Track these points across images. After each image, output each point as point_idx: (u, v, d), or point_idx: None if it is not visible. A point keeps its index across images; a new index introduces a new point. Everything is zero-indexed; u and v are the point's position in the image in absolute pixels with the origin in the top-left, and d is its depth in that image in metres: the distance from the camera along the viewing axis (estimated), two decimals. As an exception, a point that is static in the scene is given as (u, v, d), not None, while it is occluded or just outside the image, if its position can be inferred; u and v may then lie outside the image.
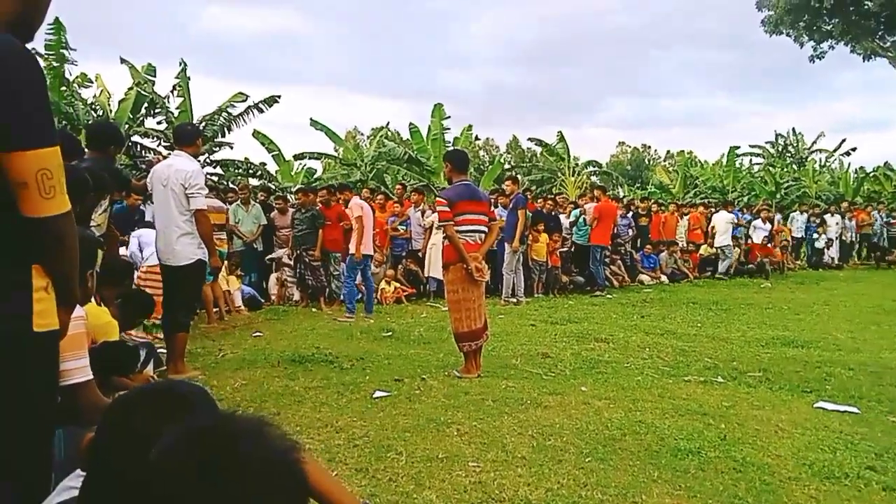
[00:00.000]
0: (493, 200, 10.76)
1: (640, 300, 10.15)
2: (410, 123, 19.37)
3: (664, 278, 12.61)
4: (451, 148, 15.64)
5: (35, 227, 1.34)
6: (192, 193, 4.66)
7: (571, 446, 3.31)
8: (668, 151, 52.70)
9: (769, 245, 14.44)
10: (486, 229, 5.27)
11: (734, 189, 22.60)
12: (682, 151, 29.53)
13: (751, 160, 28.59)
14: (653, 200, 15.44)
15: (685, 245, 13.77)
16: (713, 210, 14.63)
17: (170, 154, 5.27)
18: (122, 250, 6.34)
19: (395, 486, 2.76)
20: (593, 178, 25.15)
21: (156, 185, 4.75)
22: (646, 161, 59.69)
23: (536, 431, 3.55)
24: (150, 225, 6.43)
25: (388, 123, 21.53)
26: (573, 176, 22.51)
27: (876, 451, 3.38)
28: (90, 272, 2.35)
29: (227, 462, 0.77)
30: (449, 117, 18.85)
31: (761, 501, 2.69)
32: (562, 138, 22.53)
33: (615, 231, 12.52)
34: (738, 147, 24.18)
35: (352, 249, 8.10)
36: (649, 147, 64.08)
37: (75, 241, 1.44)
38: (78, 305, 2.24)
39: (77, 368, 2.15)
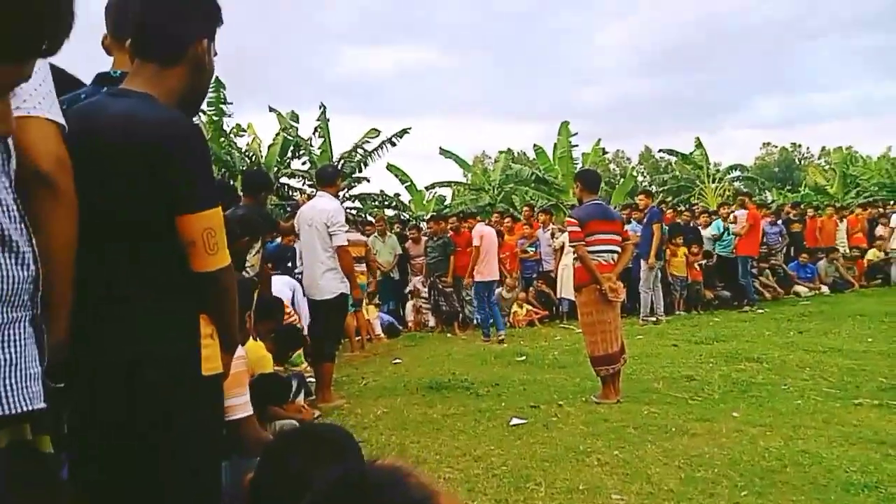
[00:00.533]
0: (626, 216, 10.49)
1: (796, 314, 9.28)
2: (535, 144, 19.40)
3: (824, 289, 11.44)
4: (582, 168, 15.38)
5: (202, 281, 1.52)
6: (335, 231, 5.00)
7: (724, 478, 3.10)
8: (824, 148, 48.10)
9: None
10: (619, 249, 5.13)
11: (905, 184, 20.16)
12: (840, 148, 26.80)
13: (924, 149, 25.39)
14: (806, 204, 14.16)
15: (847, 251, 12.43)
16: (878, 210, 13.09)
17: (314, 194, 5.69)
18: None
19: (535, 517, 2.74)
20: (736, 184, 23.57)
21: (302, 225, 5.15)
22: (796, 161, 54.91)
23: (684, 462, 3.36)
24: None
25: (507, 149, 21.58)
26: (713, 183, 21.24)
27: None
28: (248, 313, 2.59)
29: None
30: (576, 133, 18.62)
31: (957, 548, 2.35)
32: (699, 144, 21.41)
33: (764, 240, 11.64)
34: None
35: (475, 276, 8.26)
36: (799, 146, 58.92)
37: (235, 291, 1.61)
38: (238, 345, 2.49)
39: (239, 405, 2.37)
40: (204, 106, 16.16)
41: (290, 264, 7.29)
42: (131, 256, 1.52)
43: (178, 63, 1.59)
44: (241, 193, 5.08)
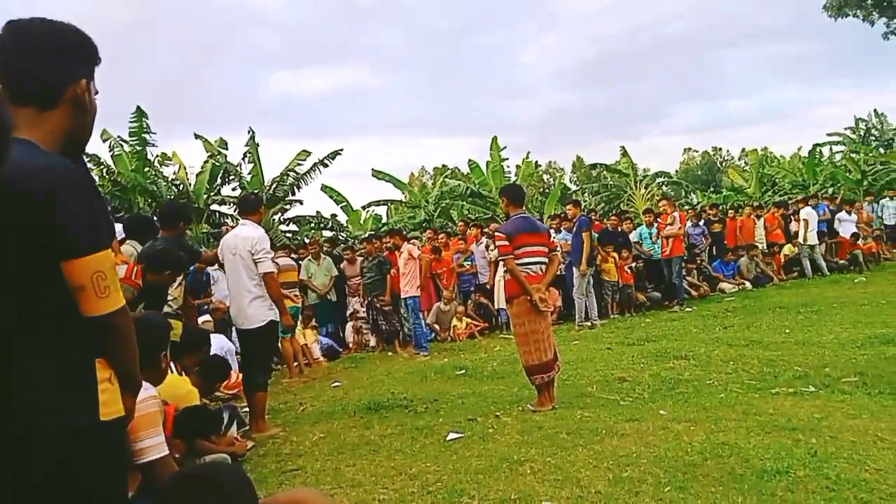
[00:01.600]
0: (556, 226, 10.76)
1: (721, 310, 9.71)
2: (469, 159, 19.69)
3: (747, 284, 12.03)
4: (507, 183, 15.67)
5: (94, 325, 1.49)
6: (260, 258, 4.92)
7: (650, 476, 3.21)
8: (743, 150, 50.68)
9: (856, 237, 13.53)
10: (546, 260, 5.25)
11: (815, 182, 21.44)
12: (752, 150, 28.32)
13: (831, 149, 27.12)
14: (728, 205, 14.87)
15: (765, 247, 13.11)
16: (789, 209, 13.88)
17: (237, 224, 5.61)
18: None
19: (467, 531, 2.76)
20: (664, 189, 24.53)
21: (226, 255, 5.05)
22: (718, 164, 57.62)
23: (612, 463, 3.45)
24: None
25: (443, 166, 21.84)
26: (641, 189, 22.03)
27: None
28: (164, 353, 2.53)
29: None
30: (505, 147, 19.01)
31: (857, 523, 2.51)
32: (624, 153, 22.19)
33: (688, 241, 12.17)
34: (818, 144, 23.03)
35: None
36: (720, 149, 61.90)
37: (132, 332, 1.57)
38: (151, 385, 2.42)
39: (153, 446, 2.30)
40: (126, 136, 15.69)
41: (205, 292, 7.18)
42: (21, 309, 1.47)
43: (56, 105, 1.56)
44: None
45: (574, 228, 9.77)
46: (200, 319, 6.88)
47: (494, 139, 19.23)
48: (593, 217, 12.11)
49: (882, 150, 25.47)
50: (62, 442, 1.46)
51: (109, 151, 15.95)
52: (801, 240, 12.61)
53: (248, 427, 4.88)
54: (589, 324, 9.50)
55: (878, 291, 9.93)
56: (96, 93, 1.65)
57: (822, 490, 2.85)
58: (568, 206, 10.60)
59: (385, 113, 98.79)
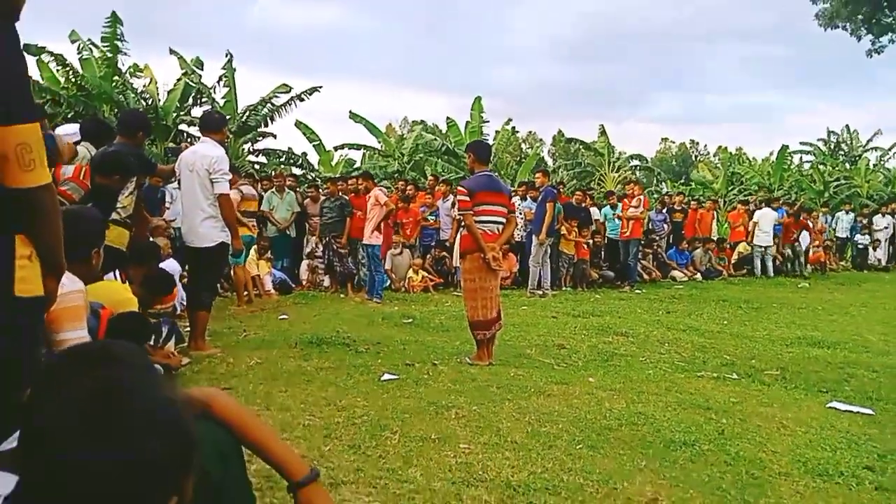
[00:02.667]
0: (522, 192, 10.83)
1: (669, 296, 10.01)
2: (448, 117, 19.52)
3: (698, 275, 12.39)
4: (475, 140, 15.64)
5: (16, 198, 1.47)
6: (217, 178, 4.85)
7: (565, 433, 3.36)
8: (720, 147, 51.41)
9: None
10: (504, 220, 5.31)
11: (781, 187, 21.94)
12: (725, 148, 28.73)
13: (801, 158, 27.71)
14: (692, 197, 15.16)
15: (719, 242, 13.48)
16: (753, 208, 14.24)
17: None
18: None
19: (383, 462, 2.86)
20: (637, 174, 24.75)
21: (183, 171, 4.96)
22: (692, 157, 58.32)
23: (534, 418, 3.59)
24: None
25: (422, 121, 21.67)
26: (613, 172, 22.21)
27: (879, 452, 3.31)
28: (96, 250, 2.50)
29: (109, 405, 0.84)
30: (485, 114, 18.91)
31: (744, 494, 2.69)
32: (603, 132, 22.26)
33: (650, 226, 12.42)
34: (787, 146, 23.45)
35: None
36: (697, 143, 62.62)
37: (56, 212, 1.56)
38: (80, 281, 2.41)
39: (74, 339, 2.30)
40: (97, 41, 15.03)
41: (158, 209, 7.06)
42: None
43: None
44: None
45: (540, 197, 9.86)
46: (160, 242, 6.79)
47: (477, 99, 19.07)
48: (561, 190, 12.20)
49: (848, 166, 26.14)
50: None
51: (77, 54, 15.29)
52: (752, 240, 12.99)
53: (185, 344, 4.89)
54: (540, 292, 9.68)
55: (817, 298, 10.36)
56: None
57: (720, 464, 3.03)
58: (537, 175, 10.69)
59: (369, 59, 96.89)
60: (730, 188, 22.73)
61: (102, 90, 14.69)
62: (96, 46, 15.27)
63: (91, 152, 4.57)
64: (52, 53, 14.84)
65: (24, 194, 1.47)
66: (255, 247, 8.32)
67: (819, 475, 2.94)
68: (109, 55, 15.09)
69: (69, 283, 2.26)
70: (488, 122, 19.41)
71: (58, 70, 15.33)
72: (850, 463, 3.12)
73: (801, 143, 28.13)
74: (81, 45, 15.22)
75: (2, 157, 1.42)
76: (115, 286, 3.70)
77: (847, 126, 29.62)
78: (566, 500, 2.55)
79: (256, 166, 17.52)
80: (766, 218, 13.04)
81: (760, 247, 13.05)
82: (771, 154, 24.34)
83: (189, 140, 15.84)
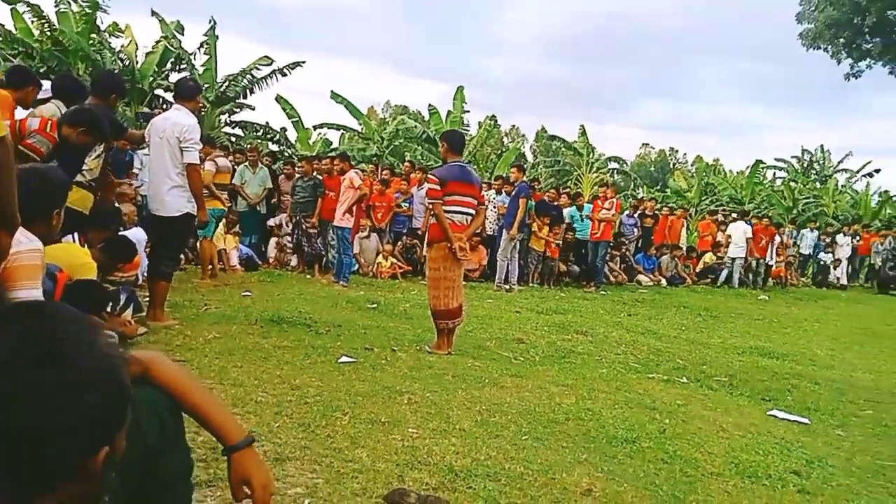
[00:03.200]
0: (497, 186, 10.90)
1: (632, 299, 10.20)
2: (430, 104, 19.49)
3: (663, 281, 12.63)
4: (449, 129, 15.70)
5: None
6: (187, 147, 4.80)
7: (513, 424, 3.43)
8: (698, 157, 52.20)
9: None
10: (473, 212, 5.35)
11: (752, 200, 22.41)
12: (700, 157, 29.21)
13: (774, 174, 28.30)
14: (663, 204, 15.41)
15: (686, 251, 13.77)
16: (721, 219, 14.54)
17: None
18: None
19: (330, 441, 2.90)
20: (616, 177, 25.03)
21: (153, 137, 4.90)
22: (671, 165, 59.10)
23: (484, 408, 3.67)
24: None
25: (404, 107, 21.59)
26: (591, 172, 22.42)
27: (808, 458, 3.47)
28: (57, 211, 2.48)
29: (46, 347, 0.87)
30: (466, 106, 18.93)
31: (675, 491, 2.80)
32: (583, 133, 22.44)
33: (620, 230, 12.61)
34: (761, 161, 23.94)
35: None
36: (676, 151, 63.47)
37: (10, 166, 1.56)
38: (37, 239, 2.39)
39: (28, 298, 2.28)
40: (75, -6, 14.61)
41: (125, 173, 6.94)
42: None
43: None
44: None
45: (513, 193, 9.93)
46: (125, 209, 6.68)
47: (460, 89, 19.06)
48: (536, 186, 12.30)
49: (818, 185, 26.78)
50: None
51: (55, 7, 14.86)
52: (729, 252, 13.30)
53: (143, 313, 4.85)
54: (507, 287, 9.78)
55: (774, 311, 10.66)
56: None
57: (657, 461, 3.14)
58: (512, 170, 10.76)
59: (353, 37, 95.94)
60: (703, 198, 23.14)
61: (79, 46, 14.31)
62: (75, 1, 14.87)
63: (62, 110, 4.49)
64: (28, 3, 14.42)
65: None
66: (224, 220, 8.24)
67: (748, 476, 3.07)
68: (88, 11, 14.71)
69: (27, 240, 2.25)
70: (469, 111, 19.49)
71: (33, 22, 14.89)
72: (779, 467, 3.26)
73: (775, 158, 28.76)
74: (59, -1, 14.81)
75: None
76: (75, 249, 3.66)
77: (822, 146, 30.36)
78: (505, 487, 2.62)
79: (232, 138, 17.28)
80: (740, 230, 13.35)
81: (731, 258, 13.36)
82: (747, 168, 24.74)
83: (164, 106, 15.57)
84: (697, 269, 13.62)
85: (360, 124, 20.60)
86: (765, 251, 13.95)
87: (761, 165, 23.62)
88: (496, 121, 21.33)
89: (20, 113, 4.31)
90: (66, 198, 2.60)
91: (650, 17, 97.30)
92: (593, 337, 6.60)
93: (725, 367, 5.75)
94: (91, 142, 4.05)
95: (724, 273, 13.52)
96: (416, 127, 19.56)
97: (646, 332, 7.34)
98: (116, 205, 5.39)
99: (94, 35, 14.97)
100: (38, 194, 2.25)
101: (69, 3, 14.83)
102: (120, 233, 5.32)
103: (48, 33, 14.66)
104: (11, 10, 14.29)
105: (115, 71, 13.44)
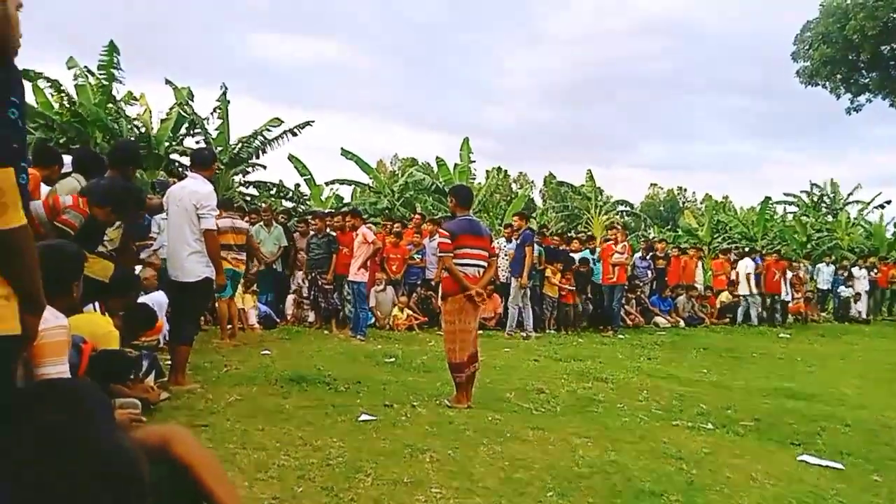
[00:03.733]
0: (507, 234, 10.98)
1: (651, 342, 10.10)
2: (437, 157, 19.84)
3: (681, 322, 12.51)
4: (458, 183, 15.89)
5: None
6: (204, 214, 4.93)
7: (537, 480, 3.39)
8: (707, 195, 52.28)
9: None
10: (485, 264, 5.39)
11: (764, 237, 22.32)
12: (709, 196, 29.28)
13: (784, 209, 28.25)
14: (674, 244, 15.39)
15: (703, 290, 13.67)
16: (734, 257, 14.47)
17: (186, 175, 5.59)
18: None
19: (355, 504, 2.88)
20: (626, 218, 25.09)
21: (171, 205, 5.04)
22: (680, 203, 59.20)
23: (508, 464, 3.63)
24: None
25: (413, 159, 21.99)
26: (601, 215, 22.51)
27: (844, 507, 3.37)
28: (76, 283, 2.55)
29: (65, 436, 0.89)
30: (472, 153, 19.28)
31: (709, 547, 2.73)
32: (590, 177, 22.64)
33: (633, 272, 12.58)
34: (770, 198, 23.94)
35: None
36: (685, 189, 63.67)
37: (31, 252, 1.60)
38: (62, 315, 2.46)
39: (54, 374, 2.33)
40: (94, 68, 15.22)
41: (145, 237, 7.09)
42: None
43: None
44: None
45: (518, 241, 10.02)
46: (146, 274, 6.81)
47: (465, 140, 19.41)
48: (546, 232, 12.37)
49: (830, 218, 26.65)
50: None
51: (73, 80, 15.44)
52: (739, 290, 13.21)
53: (165, 378, 4.88)
54: (524, 335, 9.74)
55: (797, 349, 10.48)
56: (19, 6, 1.65)
57: (688, 515, 3.07)
58: (514, 218, 10.88)
59: (360, 94, 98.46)
60: (714, 236, 23.08)
61: (97, 117, 14.80)
62: (92, 74, 15.45)
63: (81, 183, 4.65)
64: (48, 79, 15.00)
65: None
66: (242, 281, 8.34)
67: (784, 530, 2.99)
68: (105, 83, 15.26)
69: (53, 318, 2.31)
70: (474, 161, 19.73)
71: (52, 95, 15.47)
72: (816, 518, 3.17)
73: (784, 194, 28.74)
74: (78, 72, 15.39)
75: None
76: (98, 319, 3.73)
77: (831, 179, 30.40)
78: (533, 549, 2.58)
79: (247, 198, 17.61)
80: (748, 268, 13.30)
81: (745, 295, 13.26)
82: (758, 205, 24.69)
83: (180, 170, 15.95)
84: (715, 309, 13.48)
85: (371, 178, 20.95)
86: (778, 286, 13.84)
87: (771, 202, 23.60)
88: (504, 172, 21.60)
89: (44, 190, 4.48)
90: (82, 269, 2.67)
91: (642, 60, 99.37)
92: (614, 384, 6.52)
93: (751, 411, 5.64)
94: (116, 219, 4.20)
95: (741, 311, 13.39)
96: (424, 179, 19.84)
97: (667, 376, 7.24)
98: (136, 272, 5.50)
99: (110, 105, 15.48)
100: (56, 270, 2.32)
101: (87, 76, 15.42)
102: (141, 297, 5.43)
103: (67, 106, 15.20)
104: (33, 86, 14.87)
105: (132, 139, 13.84)
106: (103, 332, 3.68)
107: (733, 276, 13.85)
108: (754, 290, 13.36)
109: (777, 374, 7.95)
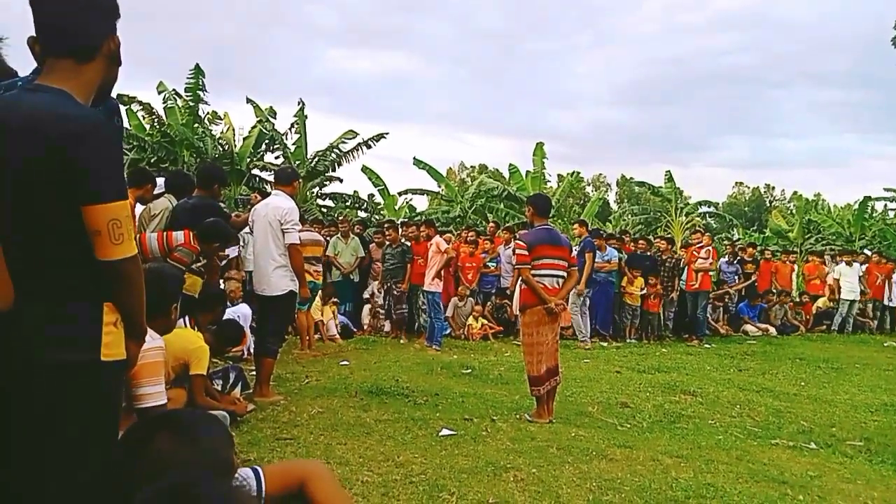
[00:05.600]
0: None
1: (740, 352, 9.57)
2: (511, 164, 19.71)
3: (772, 330, 11.80)
4: (536, 192, 15.65)
5: (106, 269, 1.59)
6: (287, 229, 5.06)
7: (628, 503, 3.23)
8: (795, 193, 49.45)
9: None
10: (564, 274, 5.25)
11: (862, 237, 20.84)
12: (798, 194, 27.61)
13: (885, 205, 26.26)
14: (765, 246, 14.56)
15: (798, 296, 12.85)
16: (831, 259, 13.54)
17: (269, 193, 5.78)
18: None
19: (440, 526, 2.82)
20: (707, 220, 24.07)
21: (256, 222, 5.20)
22: (767, 203, 56.35)
23: (595, 485, 3.48)
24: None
25: (483, 165, 21.95)
26: (681, 217, 21.69)
27: (980, 543, 3.03)
28: (174, 305, 2.64)
29: None
30: (546, 158, 19.01)
31: (825, 585, 2.50)
32: (670, 178, 21.86)
33: (720, 277, 12.02)
34: (870, 197, 22.28)
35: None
36: (772, 188, 60.49)
37: (141, 281, 1.67)
38: (158, 336, 2.54)
39: (152, 394, 2.42)
40: (181, 90, 16.09)
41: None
42: (37, 247, 1.58)
43: (93, 59, 1.66)
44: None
45: (579, 248, 9.78)
46: (230, 287, 7.07)
47: (539, 145, 19.16)
48: (624, 238, 12.00)
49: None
50: (63, 375, 1.57)
51: (163, 103, 16.38)
52: (836, 294, 12.36)
53: (251, 390, 5.01)
54: (588, 343, 9.58)
55: (906, 359, 9.67)
56: (119, 46, 1.74)
57: (797, 547, 2.83)
58: (574, 227, 10.64)
59: (430, 104, 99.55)
60: (806, 237, 21.75)
61: (185, 136, 15.63)
62: (180, 96, 16.33)
63: (172, 203, 4.88)
64: (140, 102, 15.99)
65: (113, 265, 1.59)
66: (321, 293, 8.52)
67: (910, 568, 2.71)
68: (192, 104, 16.10)
69: (149, 339, 2.39)
70: (546, 169, 19.45)
71: (144, 118, 16.47)
72: (947, 555, 2.86)
73: (885, 189, 26.71)
74: (167, 95, 16.31)
75: (95, 232, 1.55)
76: (188, 334, 3.86)
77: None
78: (629, 581, 2.44)
79: (324, 210, 18.09)
80: (852, 270, 12.40)
81: (845, 300, 12.38)
82: (856, 202, 22.98)
83: (260, 185, 16.55)
84: (810, 316, 12.65)
85: (443, 187, 21.05)
86: (881, 291, 12.84)
87: (870, 199, 21.95)
88: (577, 174, 21.17)
89: (138, 209, 4.74)
90: (181, 292, 2.76)
91: (719, 54, 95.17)
92: (703, 398, 6.20)
93: (859, 429, 5.22)
94: (218, 250, 4.44)
95: (838, 319, 12.50)
96: (496, 186, 19.75)
97: (761, 389, 6.82)
98: (221, 286, 5.70)
99: (196, 125, 16.31)
100: (157, 294, 2.40)
101: (175, 98, 16.31)
102: (227, 309, 5.64)
103: (157, 127, 16.13)
104: (127, 110, 15.86)
105: (224, 160, 14.50)
106: (194, 347, 3.80)
107: (829, 281, 12.97)
108: (853, 296, 12.44)
109: (885, 387, 7.33)
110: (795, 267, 13.60)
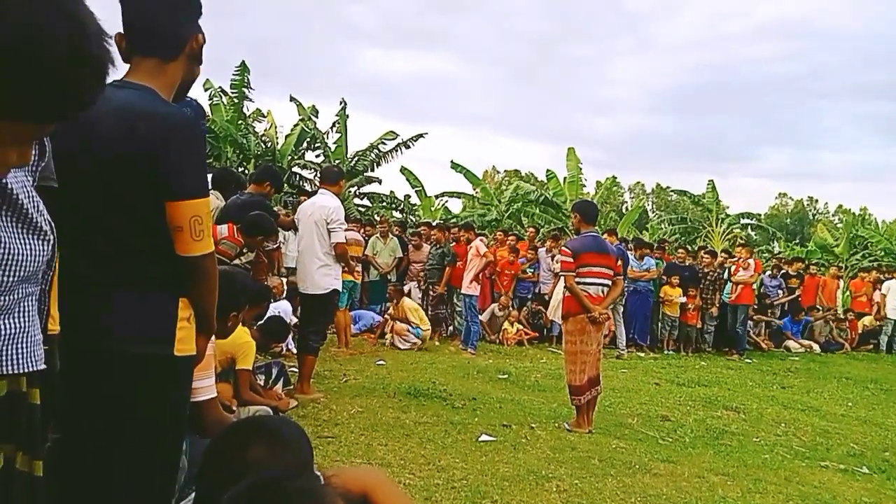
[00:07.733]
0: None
1: (783, 369, 9.32)
2: (548, 169, 19.57)
3: (816, 347, 11.46)
4: (582, 199, 15.55)
5: (185, 265, 1.62)
6: (333, 228, 5.10)
7: (675, 521, 3.16)
8: (840, 206, 47.99)
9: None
10: (609, 283, 5.18)
11: (912, 254, 20.12)
12: (843, 208, 26.74)
13: (937, 222, 25.31)
14: (809, 261, 14.15)
15: (843, 313, 12.46)
16: (879, 277, 13.08)
17: (316, 191, 5.84)
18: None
19: (484, 533, 2.80)
20: (749, 232, 23.52)
21: (302, 220, 5.25)
22: (810, 216, 54.89)
23: (640, 499, 3.42)
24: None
25: (517, 170, 21.83)
26: (721, 227, 21.23)
27: None
28: (235, 314, 2.66)
29: None
30: (581, 163, 18.82)
31: None
32: (712, 187, 21.42)
33: (763, 290, 11.73)
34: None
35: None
36: (816, 200, 58.89)
37: (216, 277, 1.69)
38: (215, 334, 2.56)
39: (204, 387, 2.44)
40: (227, 87, 16.38)
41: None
42: (123, 238, 1.61)
43: (178, 57, 1.69)
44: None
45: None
46: (273, 283, 7.16)
47: (571, 150, 18.94)
48: (665, 247, 11.79)
49: None
50: (138, 366, 1.60)
51: (209, 100, 16.69)
52: (883, 313, 11.94)
53: (292, 386, 5.06)
54: (626, 352, 9.43)
55: (960, 383, 9.27)
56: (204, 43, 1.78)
57: (855, 577, 2.73)
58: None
59: (465, 106, 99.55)
60: (852, 252, 21.09)
61: (229, 133, 15.89)
62: (225, 93, 16.63)
63: (220, 199, 4.96)
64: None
65: (192, 261, 1.61)
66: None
67: None
68: (236, 101, 16.38)
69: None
70: (581, 173, 19.21)
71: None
72: None
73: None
74: (213, 93, 16.62)
75: (178, 228, 1.57)
76: (237, 329, 3.90)
77: None
78: None
79: (361, 209, 18.23)
80: (894, 289, 11.98)
81: (890, 319, 11.95)
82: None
83: (301, 183, 16.75)
84: (856, 334, 12.25)
85: (479, 191, 21.01)
86: None
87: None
88: (616, 181, 20.91)
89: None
90: (247, 302, 2.78)
91: (760, 63, 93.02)
92: (746, 414, 6.05)
93: (913, 455, 5.02)
94: (262, 242, 4.50)
95: (884, 338, 12.07)
96: (533, 190, 19.63)
97: (806, 408, 6.62)
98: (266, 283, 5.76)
99: (240, 122, 16.59)
100: (228, 296, 2.43)
101: (220, 95, 16.61)
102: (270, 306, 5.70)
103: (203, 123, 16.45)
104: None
105: (267, 157, 14.71)
106: (241, 343, 3.84)
107: (877, 298, 12.54)
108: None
109: (939, 412, 7.05)
110: (841, 283, 13.19)
